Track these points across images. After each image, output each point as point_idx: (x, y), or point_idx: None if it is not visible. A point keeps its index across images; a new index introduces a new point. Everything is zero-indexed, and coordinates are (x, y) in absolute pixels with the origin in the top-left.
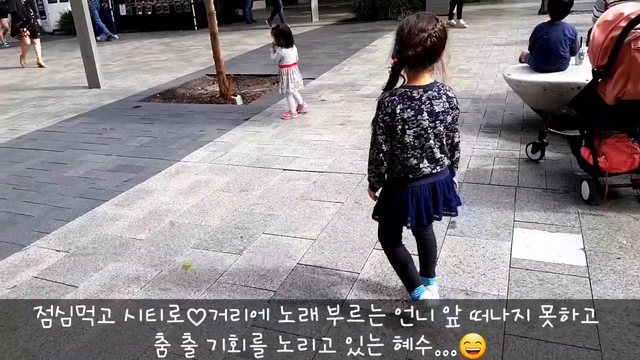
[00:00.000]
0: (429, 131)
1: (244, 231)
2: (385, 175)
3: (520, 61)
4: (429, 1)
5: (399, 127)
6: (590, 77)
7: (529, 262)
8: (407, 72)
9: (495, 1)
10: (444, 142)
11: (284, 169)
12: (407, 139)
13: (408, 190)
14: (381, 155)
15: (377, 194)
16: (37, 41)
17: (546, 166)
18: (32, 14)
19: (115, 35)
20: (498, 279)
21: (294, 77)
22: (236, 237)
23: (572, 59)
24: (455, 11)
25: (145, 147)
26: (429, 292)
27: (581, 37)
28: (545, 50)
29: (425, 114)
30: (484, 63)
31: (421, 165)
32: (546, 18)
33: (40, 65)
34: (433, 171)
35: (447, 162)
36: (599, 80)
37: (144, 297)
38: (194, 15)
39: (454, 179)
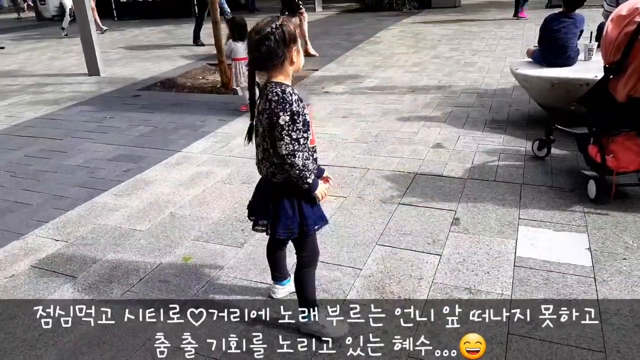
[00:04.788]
0: (257, 128)
1: (245, 224)
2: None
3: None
4: None
5: None
6: (600, 74)
7: (533, 261)
8: None
9: None
10: (268, 148)
11: None
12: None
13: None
14: None
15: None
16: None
17: (552, 163)
18: None
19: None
20: (502, 278)
21: (244, 71)
22: (237, 230)
23: (581, 54)
24: None
25: (146, 136)
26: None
27: (591, 32)
28: (556, 43)
29: (258, 110)
30: (490, 57)
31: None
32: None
33: (308, 54)
34: (259, 172)
35: (267, 171)
36: (611, 77)
37: (144, 288)
38: (195, 2)
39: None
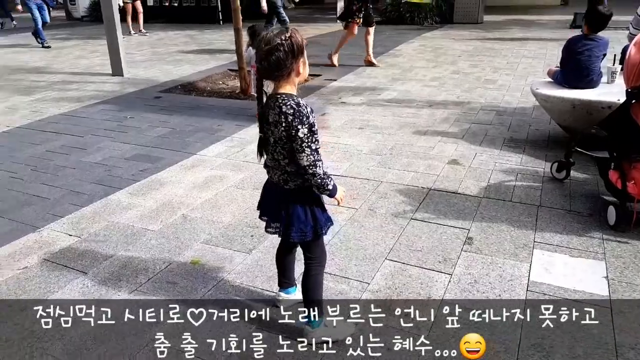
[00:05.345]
0: (266, 137)
1: (254, 230)
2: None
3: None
4: (456, 9)
5: None
6: (622, 97)
7: (547, 287)
8: None
9: (525, 11)
10: (280, 158)
11: None
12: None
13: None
14: None
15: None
16: (372, 31)
17: (571, 186)
18: None
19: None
20: (514, 303)
21: None
22: (246, 236)
23: (604, 77)
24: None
25: (163, 137)
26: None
27: (614, 55)
28: (579, 65)
29: (267, 121)
30: (511, 75)
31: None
32: (577, 32)
33: (371, 64)
34: (269, 178)
35: (279, 178)
36: (633, 101)
37: (151, 288)
38: (219, 9)
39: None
